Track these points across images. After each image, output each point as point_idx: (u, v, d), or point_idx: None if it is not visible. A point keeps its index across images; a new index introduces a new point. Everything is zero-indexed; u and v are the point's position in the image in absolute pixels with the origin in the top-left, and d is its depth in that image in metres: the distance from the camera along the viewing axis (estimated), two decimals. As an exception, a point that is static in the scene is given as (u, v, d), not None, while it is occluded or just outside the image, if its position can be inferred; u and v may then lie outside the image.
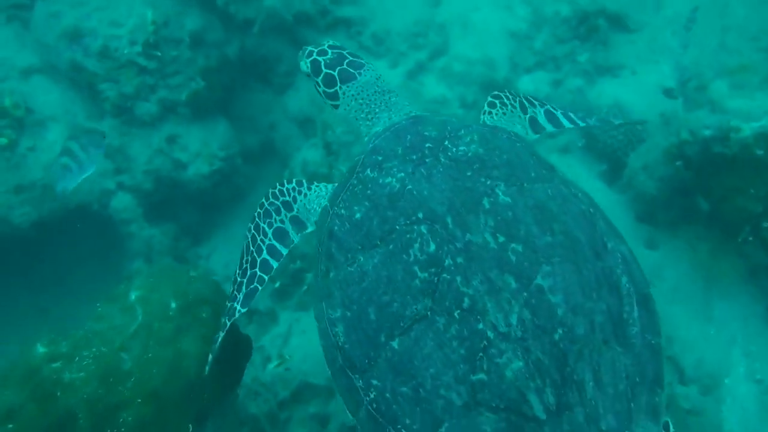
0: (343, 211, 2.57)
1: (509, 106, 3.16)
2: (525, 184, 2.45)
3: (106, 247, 5.23)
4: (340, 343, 2.43)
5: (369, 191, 2.53)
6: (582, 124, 3.26)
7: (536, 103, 3.23)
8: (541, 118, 3.18)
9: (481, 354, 2.17)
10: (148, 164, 4.99)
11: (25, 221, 4.61)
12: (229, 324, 2.75)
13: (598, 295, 2.30)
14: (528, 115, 3.16)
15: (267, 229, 2.94)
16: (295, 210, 2.93)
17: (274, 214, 2.94)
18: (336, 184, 2.79)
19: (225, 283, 3.45)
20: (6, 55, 4.99)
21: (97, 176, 4.81)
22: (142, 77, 4.83)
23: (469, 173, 2.46)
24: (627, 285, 2.40)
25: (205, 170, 5.05)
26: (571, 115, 3.24)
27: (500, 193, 2.40)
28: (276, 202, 2.95)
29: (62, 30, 4.71)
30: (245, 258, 2.91)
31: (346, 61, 3.06)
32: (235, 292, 2.86)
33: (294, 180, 2.98)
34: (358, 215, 2.51)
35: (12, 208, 4.56)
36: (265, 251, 2.91)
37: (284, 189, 2.97)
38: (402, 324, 2.29)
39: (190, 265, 5.28)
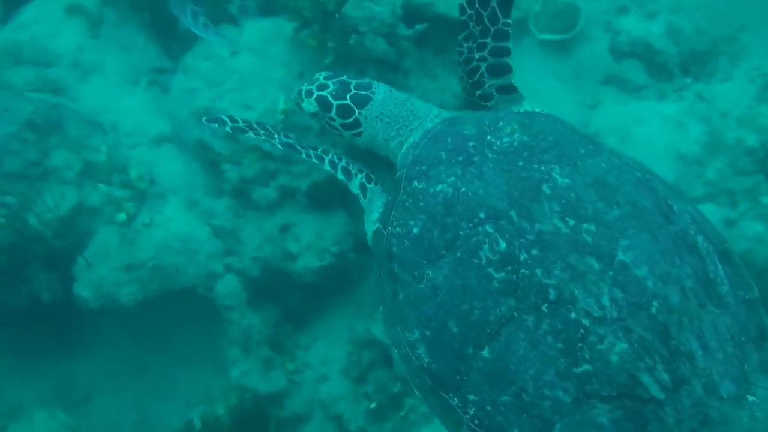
0: (398, 229, 2.49)
1: (488, 105, 2.97)
2: (578, 162, 2.36)
3: (207, 324, 5.11)
4: (425, 365, 2.34)
5: (421, 203, 2.44)
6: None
7: (477, 78, 2.95)
8: (494, 81, 2.95)
9: (580, 344, 2.07)
10: (257, 250, 4.75)
11: (131, 300, 4.53)
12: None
13: (680, 260, 2.19)
14: (494, 96, 2.96)
15: (344, 160, 3.08)
16: (369, 189, 2.99)
17: (358, 166, 3.06)
18: (382, 204, 2.77)
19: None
20: (141, 121, 4.96)
21: (206, 258, 4.68)
22: (265, 162, 4.60)
23: (520, 163, 2.37)
24: (704, 244, 2.29)
25: (314, 265, 4.73)
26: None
27: (557, 176, 2.31)
28: (363, 168, 3.05)
29: (195, 108, 4.59)
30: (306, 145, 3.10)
31: (352, 85, 2.93)
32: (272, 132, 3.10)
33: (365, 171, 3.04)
34: (415, 230, 2.42)
35: (120, 285, 4.49)
36: (330, 157, 3.06)
37: (367, 173, 3.05)
38: (488, 330, 2.19)
39: (287, 356, 5.05)
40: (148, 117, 5.00)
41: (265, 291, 5.00)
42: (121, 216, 4.53)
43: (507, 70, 2.92)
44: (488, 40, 2.88)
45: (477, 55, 2.92)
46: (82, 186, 4.61)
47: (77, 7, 4.98)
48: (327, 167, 3.05)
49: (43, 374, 5.37)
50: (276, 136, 3.07)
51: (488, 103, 2.97)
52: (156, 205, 4.75)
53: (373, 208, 2.90)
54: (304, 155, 3.05)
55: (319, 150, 3.11)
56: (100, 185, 4.63)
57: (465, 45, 2.91)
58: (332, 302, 5.39)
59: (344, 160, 3.07)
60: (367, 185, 3.01)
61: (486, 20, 2.83)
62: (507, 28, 2.85)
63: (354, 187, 3.02)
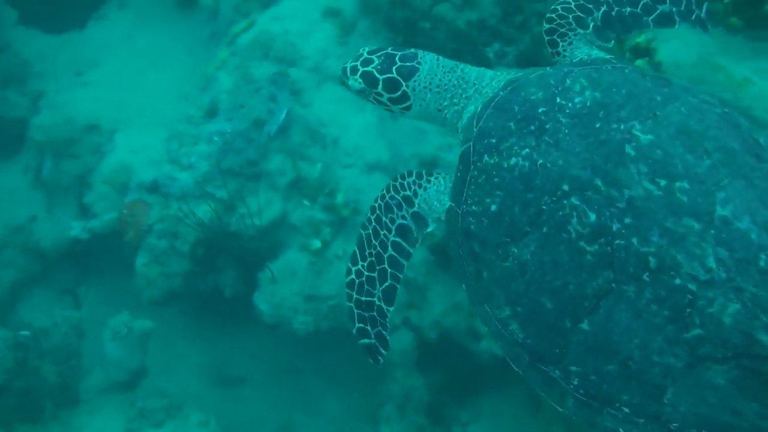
0: (474, 207, 2.41)
1: (570, 34, 2.80)
2: (657, 113, 2.23)
3: (369, 369, 4.82)
4: (519, 340, 2.29)
5: (496, 179, 2.34)
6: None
7: (590, 6, 2.79)
8: (604, 24, 2.79)
9: (688, 309, 2.00)
10: (442, 315, 4.31)
11: (303, 330, 4.37)
12: (386, 330, 2.58)
13: None
14: (591, 28, 2.79)
15: (390, 224, 2.74)
16: (416, 205, 2.72)
17: (395, 209, 2.73)
18: (451, 179, 2.61)
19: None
20: (362, 142, 4.69)
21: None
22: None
23: (597, 125, 2.24)
24: None
25: (500, 353, 4.18)
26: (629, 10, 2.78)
27: (639, 134, 2.18)
28: (397, 196, 2.72)
29: (420, 153, 4.26)
30: (367, 251, 2.70)
31: (397, 57, 2.79)
32: (368, 288, 2.65)
33: (414, 172, 2.73)
34: (493, 207, 2.34)
35: (297, 313, 4.33)
36: (390, 248, 2.72)
37: (405, 182, 2.74)
38: (586, 304, 2.14)
39: (442, 429, 4.62)
40: (369, 140, 4.71)
41: (436, 355, 4.56)
42: (316, 243, 4.32)
43: (626, 30, 2.79)
44: (643, 1, 2.78)
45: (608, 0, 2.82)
46: (288, 198, 4.49)
47: (335, 12, 4.81)
48: (406, 261, 2.71)
49: (206, 352, 5.52)
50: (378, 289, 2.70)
51: (578, 30, 2.81)
52: (353, 237, 4.47)
53: (435, 212, 2.70)
54: (399, 286, 2.70)
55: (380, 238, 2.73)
56: (305, 201, 4.46)
57: None
58: (505, 383, 4.82)
59: (392, 217, 2.71)
60: (416, 210, 2.71)
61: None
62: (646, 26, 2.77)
63: (418, 234, 2.74)
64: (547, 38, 2.88)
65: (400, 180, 2.78)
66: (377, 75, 2.77)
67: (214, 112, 4.65)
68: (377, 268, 2.71)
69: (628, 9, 2.85)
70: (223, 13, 5.05)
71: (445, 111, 2.79)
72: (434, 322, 4.35)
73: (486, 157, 2.41)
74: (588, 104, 2.30)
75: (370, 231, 2.75)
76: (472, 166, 2.45)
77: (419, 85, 2.78)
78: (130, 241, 4.70)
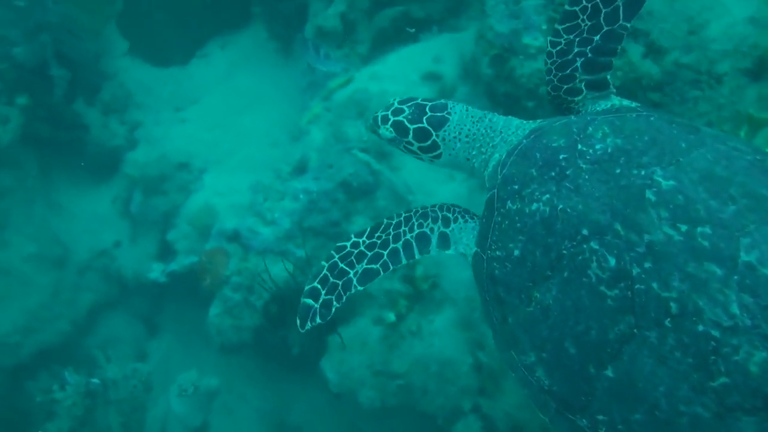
0: (498, 252, 2.43)
1: (573, 105, 2.77)
2: (681, 159, 2.20)
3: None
4: (546, 387, 2.29)
5: (518, 224, 2.37)
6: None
7: (569, 72, 2.73)
8: (592, 77, 2.72)
9: (713, 357, 1.95)
10: (515, 409, 4.04)
11: (368, 404, 4.19)
12: (338, 303, 2.61)
13: None
14: (584, 90, 2.73)
15: (416, 227, 2.80)
16: (450, 228, 2.77)
17: (430, 220, 2.80)
18: (477, 226, 2.65)
19: None
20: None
21: (458, 391, 4.14)
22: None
23: (618, 170, 2.23)
24: None
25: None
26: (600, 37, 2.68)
27: (660, 179, 2.15)
28: (438, 212, 2.82)
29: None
30: (377, 234, 2.76)
31: (428, 107, 2.82)
32: (353, 260, 2.69)
33: (463, 207, 2.81)
34: (516, 252, 2.36)
35: (363, 386, 4.16)
36: (401, 243, 2.76)
37: (453, 208, 2.83)
38: (609, 350, 2.12)
39: None
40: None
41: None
42: (391, 317, 4.16)
43: (606, 67, 2.71)
44: (596, 38, 2.70)
45: (576, 49, 2.74)
46: (368, 263, 4.34)
47: (435, 76, 4.71)
48: (405, 261, 2.76)
49: (268, 398, 5.45)
50: (354, 279, 2.73)
51: (575, 98, 2.76)
52: (429, 312, 4.29)
53: (462, 248, 2.74)
54: (383, 273, 2.74)
55: (390, 235, 2.78)
56: (384, 270, 4.30)
57: (564, 36, 2.71)
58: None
59: (416, 224, 2.79)
60: (447, 231, 2.78)
61: (602, 17, 2.66)
62: (623, 32, 2.65)
63: (433, 250, 2.78)
64: (560, 112, 2.87)
65: (450, 204, 2.85)
66: (408, 124, 2.79)
67: (303, 169, 4.59)
68: (376, 250, 2.75)
69: (597, 36, 2.75)
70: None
71: (474, 160, 2.81)
72: (506, 414, 4.08)
73: (509, 203, 2.42)
74: (609, 150, 2.30)
75: (394, 222, 2.80)
76: (496, 212, 2.47)
77: (449, 135, 2.80)
78: (207, 288, 4.69)
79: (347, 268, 2.76)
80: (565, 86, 2.78)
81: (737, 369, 1.94)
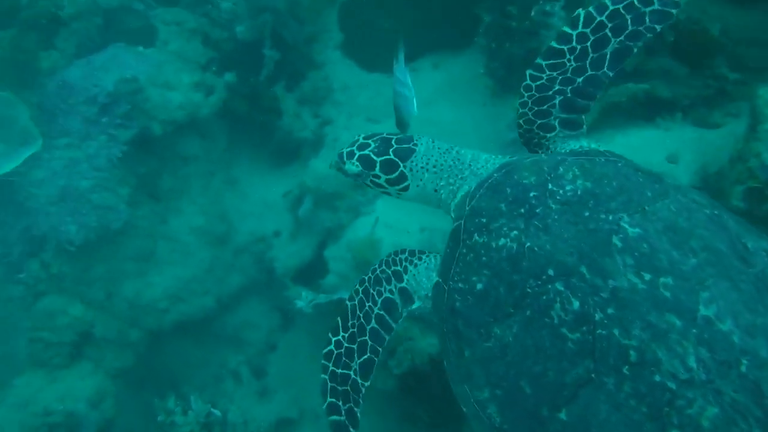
0: (460, 284, 2.42)
1: (544, 142, 2.81)
2: (646, 208, 2.27)
3: None
4: (497, 425, 2.28)
5: (484, 258, 2.37)
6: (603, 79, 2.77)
7: (545, 108, 2.77)
8: (567, 116, 2.79)
9: (667, 408, 1.98)
10: None
11: None
12: (358, 407, 2.58)
13: (764, 307, 2.08)
14: (557, 128, 2.79)
15: (377, 297, 2.78)
16: (405, 281, 2.77)
17: (384, 282, 2.80)
18: (441, 256, 2.64)
19: None
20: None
21: None
22: None
23: (586, 213, 2.28)
24: None
25: None
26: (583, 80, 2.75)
27: (627, 226, 2.22)
28: (387, 270, 2.81)
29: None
30: (350, 322, 2.74)
31: (393, 140, 2.84)
32: (345, 360, 2.66)
33: (407, 249, 2.82)
34: (479, 286, 2.36)
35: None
36: (374, 320, 2.75)
37: (397, 258, 2.82)
38: (565, 393, 2.10)
39: None
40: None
41: None
42: None
43: (583, 110, 2.78)
44: (579, 80, 2.76)
45: (557, 87, 2.79)
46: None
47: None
48: (388, 336, 2.72)
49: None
50: (354, 378, 2.68)
51: (547, 134, 2.81)
52: None
53: (423, 292, 2.72)
54: (376, 361, 2.70)
55: (362, 313, 2.74)
56: None
57: (546, 72, 2.77)
58: None
59: (375, 293, 2.76)
60: (404, 286, 2.76)
61: (588, 62, 2.73)
62: (606, 79, 2.74)
63: (397, 320, 2.75)
64: (528, 149, 2.89)
65: (393, 255, 2.81)
66: (374, 157, 2.79)
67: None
68: (358, 339, 2.70)
69: (580, 79, 2.79)
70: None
71: (441, 191, 2.80)
72: None
73: (476, 236, 2.42)
74: (579, 192, 2.32)
75: (356, 302, 2.75)
76: (461, 244, 2.45)
77: (416, 165, 2.78)
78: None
79: (346, 371, 2.73)
80: (539, 121, 2.79)
81: (690, 423, 1.95)
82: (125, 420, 5.26)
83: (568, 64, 2.74)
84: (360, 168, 2.83)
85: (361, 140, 2.90)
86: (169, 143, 5.42)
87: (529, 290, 2.24)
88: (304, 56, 6.18)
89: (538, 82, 2.77)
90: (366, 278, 2.83)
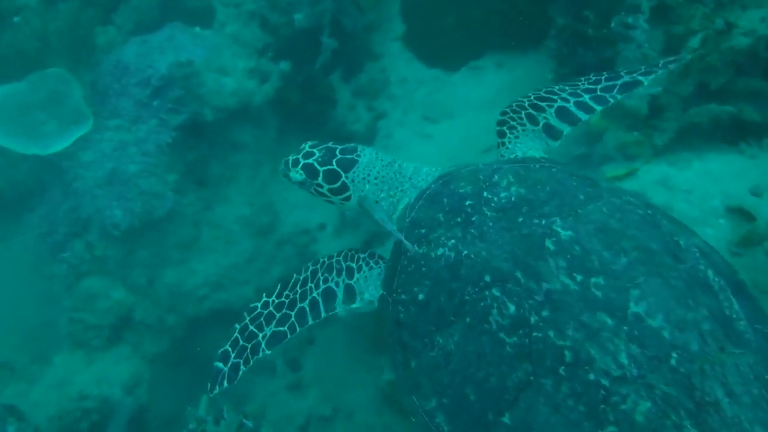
0: (403, 296, 2.45)
1: (518, 128, 2.96)
2: (579, 211, 2.32)
3: None
4: None
5: (424, 268, 2.40)
6: (611, 101, 2.98)
7: (544, 105, 2.97)
8: (555, 122, 2.94)
9: (602, 405, 2.02)
10: None
11: None
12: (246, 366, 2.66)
13: (695, 302, 2.14)
14: (540, 125, 2.93)
15: (321, 282, 2.84)
16: (355, 279, 2.81)
17: (335, 272, 2.85)
18: (384, 269, 2.69)
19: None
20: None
21: None
22: None
23: (520, 219, 2.34)
24: (716, 279, 2.23)
25: None
26: (590, 98, 2.97)
27: (559, 229, 2.26)
28: (343, 263, 2.86)
29: None
30: (286, 293, 2.83)
31: (338, 150, 2.91)
32: (263, 322, 2.75)
33: (369, 251, 2.85)
34: (421, 296, 2.39)
35: None
36: (307, 302, 2.80)
37: (356, 256, 2.86)
38: (507, 397, 2.15)
39: None
40: None
41: None
42: None
43: (572, 123, 2.97)
44: (587, 97, 3.00)
45: (563, 95, 3.00)
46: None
47: (745, 213, 3.64)
48: (311, 321, 2.81)
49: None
50: (262, 343, 2.78)
51: (526, 125, 2.97)
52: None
53: (368, 296, 2.77)
54: (290, 335, 2.80)
55: (297, 294, 2.87)
56: None
57: (556, 87, 3.05)
58: None
59: (321, 279, 2.84)
60: (352, 283, 2.82)
61: (599, 87, 3.03)
62: (613, 101, 2.97)
63: (339, 307, 2.83)
64: (497, 128, 3.00)
65: (354, 252, 2.87)
66: (318, 167, 2.86)
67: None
68: (284, 311, 2.78)
69: (587, 96, 2.95)
70: (606, 143, 4.14)
71: (383, 203, 2.84)
72: None
73: (416, 247, 2.45)
74: (513, 199, 2.38)
75: (302, 277, 2.84)
76: (402, 256, 2.48)
77: (358, 176, 2.84)
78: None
79: (256, 331, 2.79)
80: (531, 111, 2.95)
81: (625, 418, 1.98)
82: (158, 405, 5.26)
83: (581, 84, 2.97)
84: (303, 176, 2.90)
85: (306, 149, 2.98)
86: (220, 130, 5.30)
87: (467, 297, 2.27)
88: (363, 46, 5.96)
89: (550, 89, 2.97)
90: (321, 261, 2.90)
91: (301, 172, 2.92)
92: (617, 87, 2.96)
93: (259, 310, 2.84)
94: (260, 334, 2.80)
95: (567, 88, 2.99)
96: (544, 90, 2.99)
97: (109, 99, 4.86)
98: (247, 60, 5.36)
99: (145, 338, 5.22)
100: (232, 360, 2.77)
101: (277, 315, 2.83)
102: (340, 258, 2.92)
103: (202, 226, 5.35)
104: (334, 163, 2.89)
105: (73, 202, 4.74)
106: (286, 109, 5.79)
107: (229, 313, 5.70)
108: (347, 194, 2.90)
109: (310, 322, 2.80)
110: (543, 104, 2.98)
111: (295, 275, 2.87)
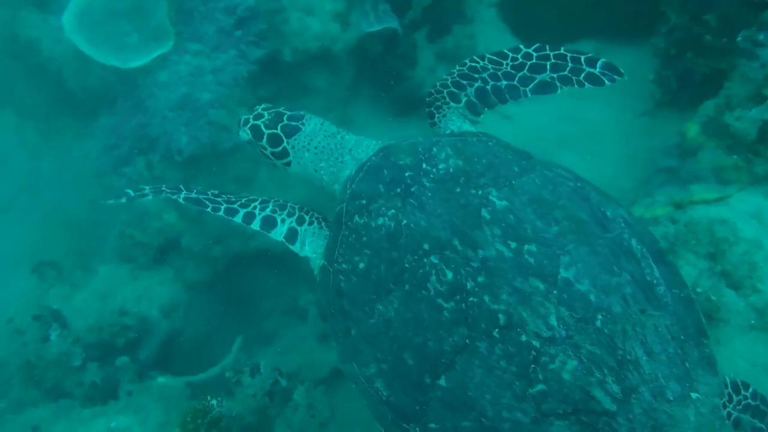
0: (344, 265, 2.51)
1: (443, 106, 3.06)
2: (513, 182, 2.43)
3: None
4: (384, 398, 2.38)
5: (365, 238, 2.47)
6: (522, 97, 3.04)
7: (465, 83, 3.06)
8: (475, 100, 3.04)
9: (533, 365, 2.13)
10: None
11: None
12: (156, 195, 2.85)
13: (618, 267, 2.28)
14: (462, 102, 3.05)
15: (268, 208, 2.93)
16: (302, 229, 2.88)
17: (286, 212, 2.92)
18: (326, 240, 2.74)
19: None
20: None
21: None
22: None
23: (458, 189, 2.42)
24: (639, 247, 2.38)
25: None
26: (505, 86, 3.04)
27: (495, 200, 2.37)
28: (296, 210, 2.94)
29: None
30: (229, 197, 2.97)
31: (285, 116, 2.99)
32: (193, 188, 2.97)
33: (324, 215, 2.94)
34: (361, 265, 2.46)
35: None
36: (245, 209, 2.91)
37: (312, 212, 2.95)
38: (443, 360, 2.24)
39: None
40: None
41: None
42: None
43: (489, 106, 3.04)
44: (503, 83, 3.02)
45: (484, 75, 3.04)
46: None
47: None
48: (238, 220, 2.91)
49: None
50: (183, 192, 2.94)
51: (450, 104, 3.05)
52: None
53: (309, 250, 2.85)
54: (210, 209, 2.90)
55: (242, 200, 2.97)
56: None
57: (484, 63, 3.05)
58: None
59: (270, 208, 2.96)
60: (298, 228, 2.92)
61: (518, 76, 3.02)
62: (524, 97, 3.00)
63: (277, 235, 2.90)
64: (426, 110, 3.08)
65: (310, 208, 2.96)
66: (263, 129, 2.95)
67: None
68: (217, 199, 2.92)
69: (504, 82, 3.00)
70: (700, 161, 3.90)
71: (322, 172, 2.92)
72: None
73: (356, 217, 2.51)
74: (451, 171, 2.45)
75: (251, 197, 2.98)
76: (343, 226, 2.55)
77: (299, 143, 2.91)
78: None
79: (183, 189, 2.94)
80: (453, 90, 3.02)
81: (553, 377, 2.10)
82: (189, 331, 5.34)
83: (503, 67, 2.98)
84: (250, 136, 2.98)
85: (258, 110, 3.05)
86: (296, 71, 5.17)
87: (407, 265, 2.33)
88: (456, 6, 5.69)
89: (475, 64, 3.01)
90: (274, 199, 2.98)
91: (249, 132, 3.00)
92: (534, 83, 2.98)
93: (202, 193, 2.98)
94: (184, 192, 2.92)
95: (490, 66, 3.02)
96: (468, 65, 3.04)
97: (193, 21, 4.75)
98: (334, 2, 5.16)
99: (188, 264, 5.25)
100: (148, 189, 2.93)
101: (209, 195, 2.97)
102: (296, 206, 2.99)
103: (260, 165, 5.28)
104: (278, 128, 2.96)
105: (143, 120, 4.71)
106: (365, 60, 5.60)
107: (271, 256, 5.70)
108: (287, 159, 2.98)
109: (237, 220, 2.89)
110: (464, 82, 3.04)
111: (243, 198, 2.99)
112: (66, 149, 6.11)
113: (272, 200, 3.00)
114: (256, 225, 2.92)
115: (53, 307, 4.25)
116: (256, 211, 2.95)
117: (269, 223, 2.92)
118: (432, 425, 2.27)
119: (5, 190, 6.23)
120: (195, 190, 2.98)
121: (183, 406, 3.71)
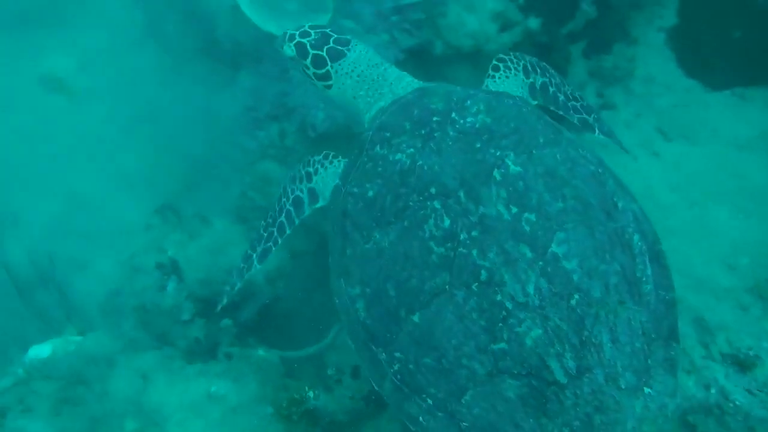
0: (355, 189, 2.65)
1: (513, 70, 3.18)
2: (534, 151, 2.51)
3: None
4: (361, 319, 2.54)
5: (380, 168, 2.61)
6: (569, 116, 3.29)
7: (538, 70, 3.26)
8: (538, 87, 3.22)
9: (500, 324, 2.29)
10: None
11: None
12: (244, 276, 3.21)
13: (611, 256, 2.38)
14: (529, 81, 3.17)
15: (290, 194, 3.14)
16: (314, 182, 3.07)
17: (297, 181, 3.11)
18: (346, 162, 2.89)
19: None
20: None
21: None
22: None
23: (478, 145, 2.53)
24: (639, 243, 2.47)
25: None
26: (562, 98, 3.29)
27: (510, 164, 2.46)
28: (302, 170, 3.12)
29: None
30: (270, 215, 3.20)
31: (332, 39, 3.04)
32: (255, 245, 3.24)
33: (323, 152, 3.09)
34: (370, 193, 2.59)
35: None
36: (283, 214, 3.12)
37: (312, 159, 3.10)
38: (421, 299, 2.40)
39: None
40: None
41: None
42: None
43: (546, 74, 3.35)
44: (568, 89, 3.47)
45: (555, 80, 3.38)
46: None
47: None
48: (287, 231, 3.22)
49: None
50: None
51: (510, 65, 3.25)
52: None
53: (328, 183, 2.98)
54: (274, 249, 3.29)
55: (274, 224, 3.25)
56: None
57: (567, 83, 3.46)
58: None
59: (291, 200, 3.13)
60: (312, 186, 3.08)
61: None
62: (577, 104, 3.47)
63: (307, 208, 3.12)
64: (493, 62, 3.23)
65: (309, 156, 3.08)
66: (309, 49, 3.01)
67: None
68: (270, 229, 3.16)
69: (561, 97, 3.32)
70: None
71: (359, 100, 3.02)
72: None
73: (378, 147, 2.63)
74: (477, 126, 2.59)
75: (277, 197, 3.15)
76: (364, 153, 2.67)
77: (342, 69, 2.99)
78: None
79: (250, 251, 3.27)
80: (529, 67, 3.25)
81: (516, 339, 2.26)
82: (289, 300, 5.41)
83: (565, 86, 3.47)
84: (294, 53, 3.04)
85: (306, 28, 3.09)
86: (441, 66, 5.02)
87: (411, 204, 2.48)
88: (620, 24, 5.32)
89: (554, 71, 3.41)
90: (289, 176, 3.12)
91: (294, 48, 3.05)
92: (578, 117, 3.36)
93: (252, 245, 3.30)
94: (253, 255, 3.24)
95: (567, 87, 3.34)
96: (549, 66, 3.32)
97: (353, -1, 4.67)
98: (496, 1, 4.92)
99: (298, 233, 5.28)
100: (234, 280, 3.32)
101: (264, 235, 3.20)
102: (300, 167, 3.12)
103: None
104: (324, 50, 3.02)
105: (286, 87, 4.72)
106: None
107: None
108: (329, 83, 3.07)
109: (288, 231, 3.14)
110: (538, 70, 3.22)
111: (276, 196, 3.23)
112: (201, 96, 6.26)
113: (287, 182, 3.19)
114: (295, 219, 3.21)
115: (171, 255, 4.38)
116: (287, 207, 3.19)
117: (299, 205, 3.16)
118: (397, 354, 2.42)
119: (127, 115, 6.37)
120: (256, 253, 3.32)
121: (277, 382, 3.76)
